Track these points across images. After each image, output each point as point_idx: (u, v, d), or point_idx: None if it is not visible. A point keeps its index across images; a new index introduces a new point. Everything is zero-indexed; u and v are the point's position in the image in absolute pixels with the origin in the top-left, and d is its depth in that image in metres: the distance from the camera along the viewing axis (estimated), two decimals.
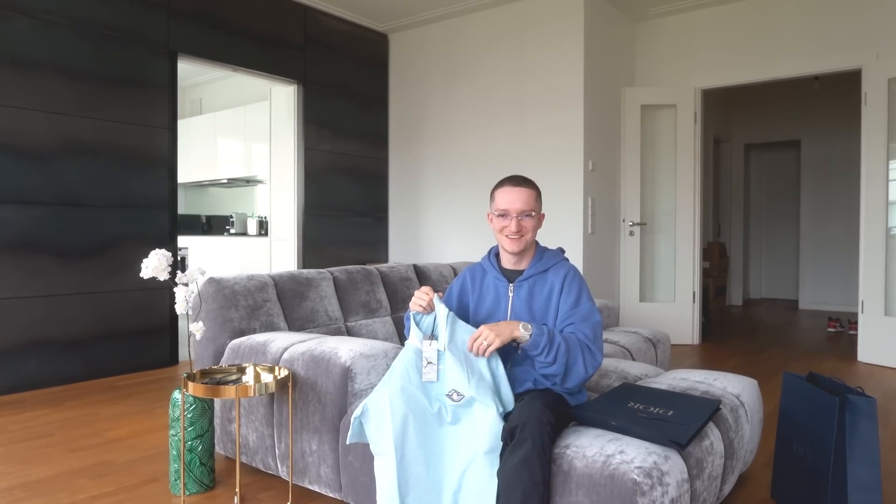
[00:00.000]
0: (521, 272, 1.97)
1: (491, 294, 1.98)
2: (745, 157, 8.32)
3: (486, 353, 1.75)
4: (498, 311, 1.96)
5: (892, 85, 4.46)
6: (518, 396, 1.82)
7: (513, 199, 1.91)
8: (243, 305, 2.55)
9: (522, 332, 1.77)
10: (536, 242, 2.01)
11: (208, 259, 6.66)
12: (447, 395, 1.76)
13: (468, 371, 1.76)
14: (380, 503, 1.71)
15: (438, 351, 1.81)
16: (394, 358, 2.14)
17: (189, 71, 6.43)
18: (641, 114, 5.32)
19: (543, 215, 2.00)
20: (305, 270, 2.90)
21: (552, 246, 2.08)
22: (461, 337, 1.83)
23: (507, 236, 1.92)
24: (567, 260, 2.00)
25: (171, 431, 2.23)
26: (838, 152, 7.51)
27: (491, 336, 1.74)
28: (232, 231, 7.11)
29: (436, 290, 1.97)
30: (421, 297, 1.87)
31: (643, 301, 5.38)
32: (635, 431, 1.67)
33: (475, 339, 1.76)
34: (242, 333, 2.51)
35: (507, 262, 2.00)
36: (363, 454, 1.97)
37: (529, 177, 2.01)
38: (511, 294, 1.95)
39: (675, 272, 5.35)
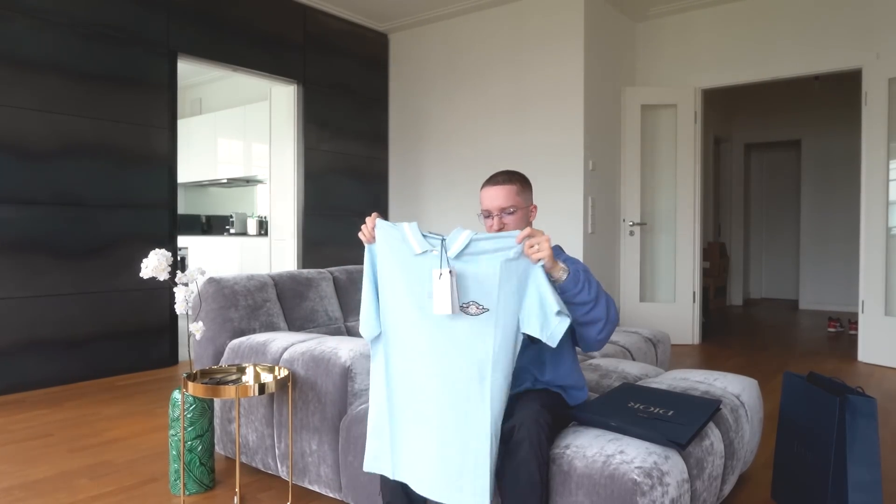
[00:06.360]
0: None
1: None
2: (745, 157, 8.31)
3: (534, 258, 1.56)
4: None
5: (892, 85, 4.46)
6: (516, 396, 1.82)
7: (493, 196, 1.90)
8: (243, 305, 2.55)
9: (561, 272, 1.62)
10: None
11: (208, 259, 6.66)
12: (462, 306, 1.59)
13: (500, 277, 1.56)
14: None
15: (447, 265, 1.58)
16: None
17: (189, 71, 6.43)
18: (642, 113, 5.32)
19: (535, 207, 1.96)
20: (305, 270, 2.90)
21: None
22: (481, 243, 1.60)
23: None
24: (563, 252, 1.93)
25: (171, 431, 2.23)
26: (838, 152, 7.51)
27: (545, 248, 1.56)
28: (232, 231, 7.11)
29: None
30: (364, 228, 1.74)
31: (643, 301, 5.38)
32: (635, 431, 1.67)
33: (526, 237, 1.57)
34: (242, 333, 2.51)
35: None
36: (363, 454, 1.97)
37: (525, 173, 1.97)
38: None
39: (675, 272, 5.35)
